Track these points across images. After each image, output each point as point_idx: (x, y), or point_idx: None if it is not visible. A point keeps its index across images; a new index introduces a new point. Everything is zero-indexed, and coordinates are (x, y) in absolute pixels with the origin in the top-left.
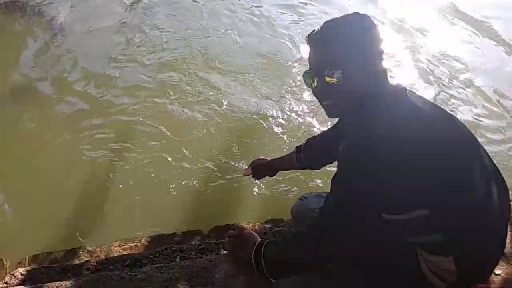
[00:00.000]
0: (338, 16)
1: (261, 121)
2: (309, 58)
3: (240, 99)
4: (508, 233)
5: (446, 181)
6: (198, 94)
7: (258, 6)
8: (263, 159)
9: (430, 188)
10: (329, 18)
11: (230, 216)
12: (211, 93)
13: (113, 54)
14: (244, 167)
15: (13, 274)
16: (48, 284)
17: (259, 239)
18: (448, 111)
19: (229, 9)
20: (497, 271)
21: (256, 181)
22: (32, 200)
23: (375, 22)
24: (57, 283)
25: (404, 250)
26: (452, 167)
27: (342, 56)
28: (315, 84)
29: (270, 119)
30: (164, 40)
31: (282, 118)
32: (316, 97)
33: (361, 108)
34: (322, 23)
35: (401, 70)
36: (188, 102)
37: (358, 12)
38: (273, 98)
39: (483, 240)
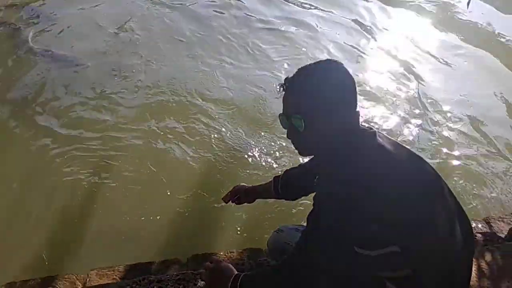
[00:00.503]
0: (313, 62)
1: (243, 151)
2: (283, 101)
3: (224, 129)
4: (473, 268)
5: (415, 220)
6: (180, 122)
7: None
8: (242, 185)
9: (401, 225)
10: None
11: (209, 244)
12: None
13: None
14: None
15: None
16: None
17: (236, 272)
18: (415, 153)
19: None
20: None
21: (236, 205)
22: (7, 227)
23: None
24: None
25: (375, 284)
26: (420, 208)
27: (310, 105)
28: (286, 127)
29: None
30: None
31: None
32: (288, 137)
33: (331, 153)
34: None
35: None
36: (170, 129)
37: (331, 60)
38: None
39: (449, 276)
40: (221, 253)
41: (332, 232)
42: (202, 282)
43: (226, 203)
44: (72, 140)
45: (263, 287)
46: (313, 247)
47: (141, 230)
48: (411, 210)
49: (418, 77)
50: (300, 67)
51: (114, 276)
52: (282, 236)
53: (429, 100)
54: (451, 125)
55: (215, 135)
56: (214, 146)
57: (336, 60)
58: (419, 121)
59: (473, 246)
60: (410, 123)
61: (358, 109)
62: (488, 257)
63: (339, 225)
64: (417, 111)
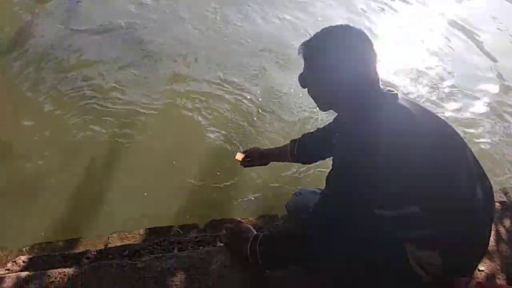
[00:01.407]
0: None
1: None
2: (304, 61)
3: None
4: (492, 232)
5: (436, 181)
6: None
7: None
8: (257, 148)
9: (421, 187)
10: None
11: (226, 211)
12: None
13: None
14: (239, 152)
15: (15, 261)
16: (51, 271)
17: (255, 232)
18: (439, 116)
19: None
20: (480, 268)
21: (245, 167)
22: (31, 191)
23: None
24: (60, 270)
25: (393, 244)
26: (442, 168)
27: (329, 63)
28: (307, 85)
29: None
30: None
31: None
32: (309, 94)
33: (351, 109)
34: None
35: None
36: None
37: (349, 24)
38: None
39: (468, 237)
40: (239, 218)
41: (351, 192)
42: (222, 244)
43: (237, 160)
44: (94, 101)
45: (282, 246)
46: (332, 208)
47: (160, 197)
48: (432, 172)
49: None
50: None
51: (135, 239)
52: (301, 199)
53: None
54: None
55: (240, 101)
56: (234, 112)
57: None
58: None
59: (493, 210)
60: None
61: (378, 73)
62: (507, 223)
63: (358, 185)
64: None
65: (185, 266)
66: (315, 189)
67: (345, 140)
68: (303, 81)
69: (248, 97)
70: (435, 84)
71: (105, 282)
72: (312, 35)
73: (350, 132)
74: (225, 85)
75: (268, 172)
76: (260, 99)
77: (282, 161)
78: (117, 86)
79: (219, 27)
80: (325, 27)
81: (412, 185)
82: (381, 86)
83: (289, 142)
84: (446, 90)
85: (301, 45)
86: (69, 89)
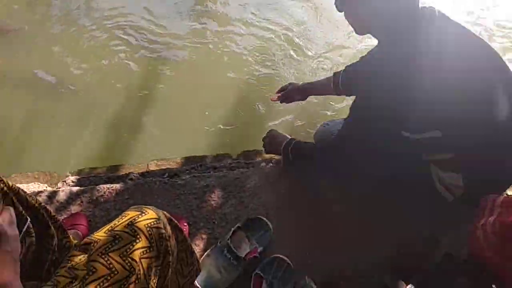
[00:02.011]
0: None
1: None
2: None
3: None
4: None
5: (464, 103)
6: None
7: None
8: (294, 83)
9: (445, 110)
10: None
11: (258, 144)
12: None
13: None
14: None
15: (64, 181)
16: (100, 186)
17: (288, 138)
18: (478, 36)
19: None
20: (509, 192)
21: (286, 103)
22: (73, 120)
23: None
24: (108, 185)
25: (419, 165)
26: (471, 93)
27: None
28: (341, 10)
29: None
30: None
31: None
32: (345, 18)
33: (385, 32)
34: None
35: None
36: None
37: None
38: None
39: (492, 162)
40: None
41: (379, 108)
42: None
43: (273, 101)
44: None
45: (309, 152)
46: (361, 125)
47: (194, 127)
48: (459, 97)
49: None
50: None
51: (172, 166)
52: (328, 129)
53: None
54: None
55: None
56: (267, 48)
57: None
58: None
59: None
60: None
61: None
62: None
63: (386, 103)
64: None
65: (223, 184)
66: (343, 120)
67: (378, 60)
68: (340, 4)
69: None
70: None
71: (149, 197)
72: None
73: (383, 52)
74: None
75: (300, 112)
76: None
77: (322, 95)
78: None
79: None
80: None
81: (436, 108)
82: (420, 7)
83: (331, 75)
84: None
85: None
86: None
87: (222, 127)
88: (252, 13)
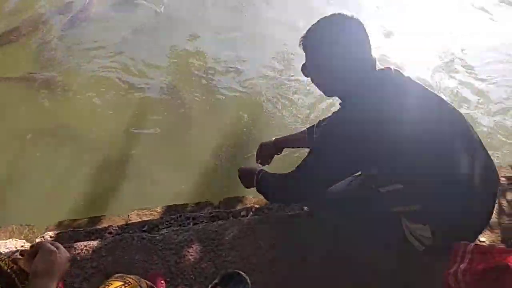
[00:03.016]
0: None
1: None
2: (305, 53)
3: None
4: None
5: (423, 157)
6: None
7: None
8: (263, 142)
9: (404, 165)
10: None
11: (239, 190)
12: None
13: None
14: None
15: (43, 237)
16: (77, 243)
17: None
18: (433, 92)
19: None
20: (482, 239)
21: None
22: (54, 173)
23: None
24: (85, 243)
25: (390, 216)
26: (428, 145)
27: (325, 55)
28: (309, 75)
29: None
30: None
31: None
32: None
33: (347, 95)
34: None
35: None
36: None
37: (341, 13)
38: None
39: (461, 213)
40: (251, 197)
41: (344, 164)
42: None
43: (263, 165)
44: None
45: (271, 184)
46: (318, 169)
47: (176, 178)
48: (416, 150)
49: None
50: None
51: (153, 216)
52: None
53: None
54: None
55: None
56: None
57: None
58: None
59: (494, 185)
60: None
61: (372, 54)
62: (510, 196)
63: (348, 159)
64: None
65: (201, 238)
66: None
67: (336, 120)
68: (306, 71)
69: None
70: None
71: (127, 253)
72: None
73: (343, 113)
74: None
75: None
76: None
77: (299, 147)
78: None
79: None
80: (320, 18)
81: (396, 163)
82: (378, 67)
83: (305, 129)
84: None
85: (300, 38)
86: None
87: (203, 172)
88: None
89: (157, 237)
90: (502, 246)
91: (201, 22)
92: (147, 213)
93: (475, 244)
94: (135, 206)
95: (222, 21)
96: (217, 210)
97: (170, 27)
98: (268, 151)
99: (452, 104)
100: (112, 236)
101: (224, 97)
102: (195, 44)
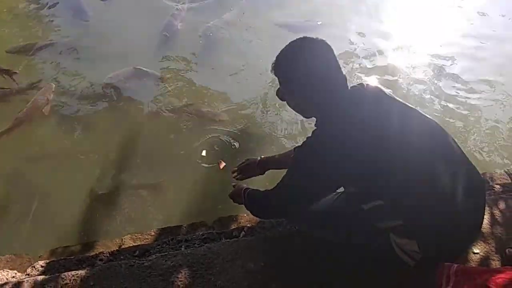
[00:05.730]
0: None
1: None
2: (277, 78)
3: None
4: (485, 215)
5: (398, 173)
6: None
7: None
8: (251, 159)
9: (380, 182)
10: None
11: (233, 208)
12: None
13: None
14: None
15: (33, 267)
16: (65, 273)
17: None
18: (409, 105)
19: None
20: (475, 250)
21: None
22: (50, 199)
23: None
24: (73, 273)
25: (378, 232)
26: (409, 159)
27: (297, 78)
28: (283, 99)
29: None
30: None
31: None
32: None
33: (319, 115)
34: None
35: None
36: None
37: (307, 37)
38: None
39: (445, 226)
40: (245, 215)
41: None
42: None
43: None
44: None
45: (257, 202)
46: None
47: (170, 199)
48: (401, 165)
49: None
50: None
51: (146, 239)
52: None
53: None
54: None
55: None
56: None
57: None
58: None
59: (481, 196)
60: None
61: (342, 73)
62: (502, 205)
63: (329, 179)
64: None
65: (189, 262)
66: None
67: (310, 141)
68: (281, 95)
69: None
70: None
71: (115, 282)
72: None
73: (316, 134)
74: None
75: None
76: None
77: (283, 168)
78: None
79: None
80: (288, 43)
81: (370, 182)
82: (350, 87)
83: (292, 149)
84: None
85: (271, 64)
86: None
87: (196, 193)
88: None
89: (145, 264)
90: (497, 257)
91: None
92: (140, 236)
93: (458, 265)
94: (130, 229)
95: None
96: (209, 231)
97: None
98: (251, 171)
99: (436, 115)
100: (104, 263)
101: None
102: None
